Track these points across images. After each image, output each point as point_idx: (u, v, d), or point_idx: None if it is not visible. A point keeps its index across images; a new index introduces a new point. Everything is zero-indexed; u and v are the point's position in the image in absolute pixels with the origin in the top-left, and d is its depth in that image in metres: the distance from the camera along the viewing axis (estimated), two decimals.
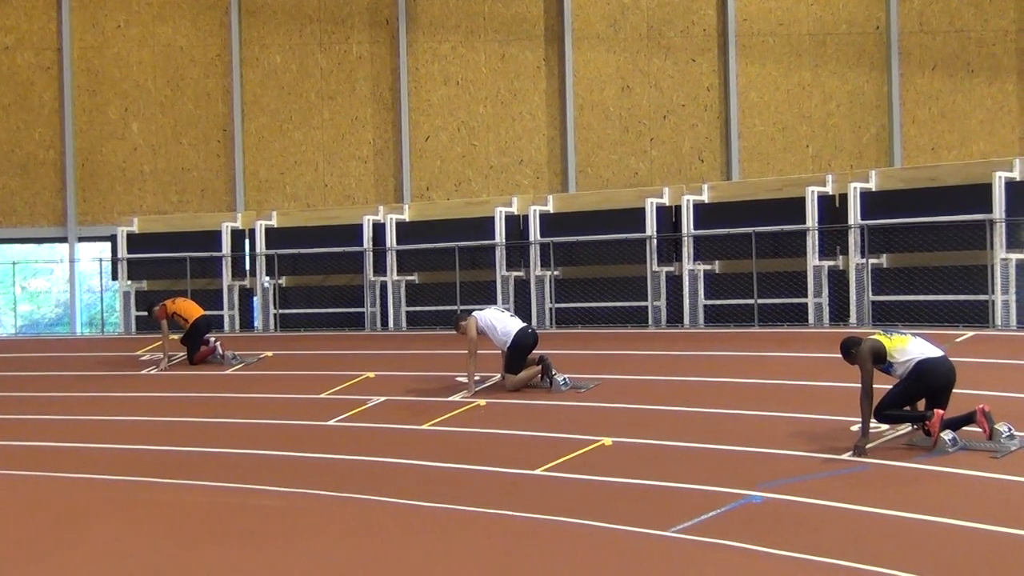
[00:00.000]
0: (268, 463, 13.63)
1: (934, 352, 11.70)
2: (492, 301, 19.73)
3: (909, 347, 11.65)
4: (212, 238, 22.40)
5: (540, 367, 15.61)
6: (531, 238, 20.04)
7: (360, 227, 21.48)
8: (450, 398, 15.54)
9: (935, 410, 11.41)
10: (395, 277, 21.08)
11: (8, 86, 27.63)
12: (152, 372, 19.09)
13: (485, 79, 27.46)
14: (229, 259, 22.28)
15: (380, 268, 21.21)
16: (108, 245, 23.87)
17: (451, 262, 20.32)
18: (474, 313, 15.85)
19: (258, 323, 22.44)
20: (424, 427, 14.50)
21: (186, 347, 19.47)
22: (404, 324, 20.98)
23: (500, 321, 15.69)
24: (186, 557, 9.69)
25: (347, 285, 21.65)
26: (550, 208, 20.36)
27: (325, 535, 10.43)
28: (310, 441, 14.45)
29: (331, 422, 15.26)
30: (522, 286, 20.17)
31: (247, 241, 22.52)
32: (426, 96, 27.53)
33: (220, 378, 18.32)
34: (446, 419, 14.70)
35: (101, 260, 24.09)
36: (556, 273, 19.90)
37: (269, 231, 22.09)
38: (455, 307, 18.83)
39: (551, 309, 19.86)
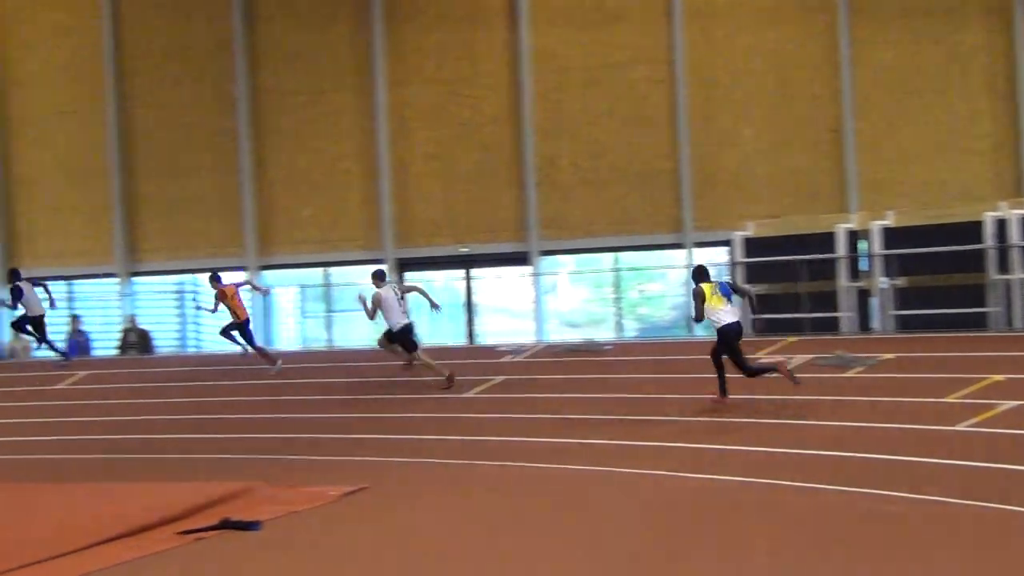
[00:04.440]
0: (893, 468, 13.35)
1: (731, 319, 16.49)
2: None
3: (720, 313, 16.44)
4: (826, 240, 22.34)
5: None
6: None
7: (980, 224, 20.62)
8: None
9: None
10: (1021, 275, 20.07)
11: (625, 101, 28.94)
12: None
13: None
14: (845, 260, 22.12)
15: (1003, 266, 20.24)
16: (722, 250, 24.41)
17: None
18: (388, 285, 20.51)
19: (876, 324, 22.11)
20: None
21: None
22: None
23: (393, 305, 19.99)
24: (812, 563, 9.63)
25: (967, 284, 20.84)
26: None
27: (950, 547, 10.01)
28: (936, 446, 14.01)
29: (958, 427, 14.71)
30: None
31: (862, 242, 22.27)
32: None
33: (839, 380, 18.12)
34: None
35: (717, 264, 24.62)
36: None
37: (885, 231, 21.72)
38: None
39: None
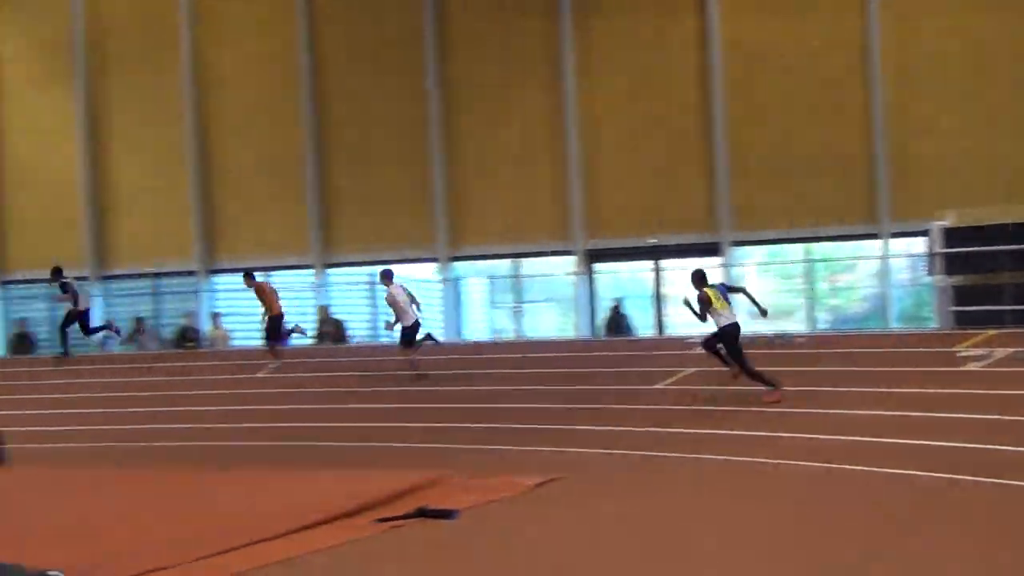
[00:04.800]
0: None
1: (730, 319, 17.88)
2: None
3: (723, 313, 17.77)
4: None
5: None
6: None
7: None
8: None
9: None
10: None
11: (818, 89, 28.33)
12: (973, 368, 18.64)
13: None
14: None
15: None
16: (918, 240, 23.74)
17: None
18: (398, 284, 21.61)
19: None
20: None
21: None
22: None
23: (407, 304, 21.40)
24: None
25: None
26: None
27: None
28: None
29: None
30: None
31: None
32: None
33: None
34: None
35: (914, 255, 24.03)
36: None
37: None
38: None
39: None
